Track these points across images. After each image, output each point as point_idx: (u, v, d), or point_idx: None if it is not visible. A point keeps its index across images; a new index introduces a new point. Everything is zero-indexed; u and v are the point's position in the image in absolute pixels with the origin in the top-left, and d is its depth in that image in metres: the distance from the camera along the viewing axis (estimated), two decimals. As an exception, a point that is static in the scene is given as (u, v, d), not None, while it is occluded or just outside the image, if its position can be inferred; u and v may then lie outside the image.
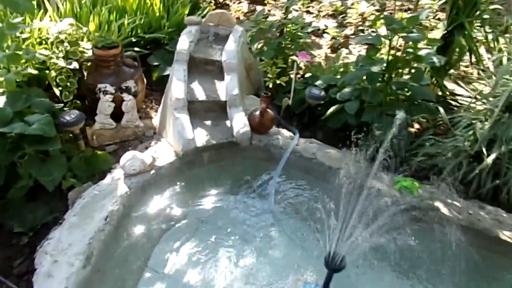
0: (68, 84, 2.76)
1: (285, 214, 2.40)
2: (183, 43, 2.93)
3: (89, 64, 2.89)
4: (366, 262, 2.14)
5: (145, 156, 2.41)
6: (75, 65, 2.76)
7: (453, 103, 2.99)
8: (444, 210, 2.24)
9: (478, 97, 2.54)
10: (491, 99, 2.25)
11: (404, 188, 2.31)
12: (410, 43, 2.46)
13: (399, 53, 2.53)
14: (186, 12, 3.92)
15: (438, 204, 2.26)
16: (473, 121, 2.34)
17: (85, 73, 2.86)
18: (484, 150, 2.14)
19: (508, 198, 2.28)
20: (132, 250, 2.18)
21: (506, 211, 2.24)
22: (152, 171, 2.44)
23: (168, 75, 3.10)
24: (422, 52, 2.28)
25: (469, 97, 2.84)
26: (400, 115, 1.48)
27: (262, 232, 2.33)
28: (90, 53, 2.90)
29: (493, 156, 2.07)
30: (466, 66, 3.73)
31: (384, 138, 2.38)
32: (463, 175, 2.32)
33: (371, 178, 2.34)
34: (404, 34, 2.19)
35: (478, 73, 3.69)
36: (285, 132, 2.75)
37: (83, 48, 2.94)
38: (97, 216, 2.11)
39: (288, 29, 3.46)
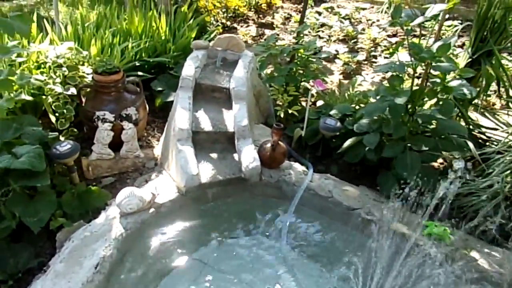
0: (65, 111, 2.57)
1: (298, 261, 2.13)
2: (189, 68, 2.74)
3: (88, 90, 2.70)
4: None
5: (144, 192, 2.17)
6: (72, 91, 2.58)
7: (480, 135, 2.75)
8: (482, 261, 1.96)
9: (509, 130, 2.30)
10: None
11: (434, 235, 2.04)
12: (435, 72, 2.26)
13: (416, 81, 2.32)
14: (193, 35, 3.77)
15: (474, 254, 1.98)
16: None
17: (84, 100, 2.67)
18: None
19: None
20: (125, 302, 1.91)
21: (553, 264, 1.96)
22: (152, 210, 2.20)
23: (172, 101, 2.91)
24: (453, 83, 2.06)
25: (503, 130, 2.60)
26: (460, 163, 1.25)
27: (272, 281, 2.06)
28: (90, 78, 2.72)
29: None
30: (489, 95, 3.52)
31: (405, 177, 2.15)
32: (500, 220, 2.05)
33: (394, 221, 2.10)
34: (434, 64, 1.99)
35: (502, 104, 3.47)
36: (297, 167, 2.51)
37: (83, 73, 2.77)
38: (87, 263, 1.85)
39: (299, 55, 3.28)
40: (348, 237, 2.19)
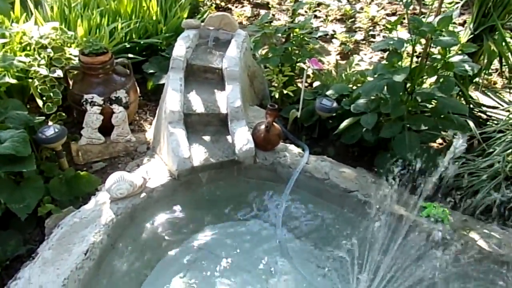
0: (52, 94, 2.48)
1: (295, 245, 2.08)
2: (180, 48, 2.64)
3: (75, 72, 2.60)
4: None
5: (134, 177, 2.11)
6: (59, 73, 2.48)
7: (481, 115, 2.67)
8: (481, 242, 1.92)
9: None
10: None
11: (433, 216, 1.99)
12: (435, 49, 2.17)
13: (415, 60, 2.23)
14: (185, 15, 3.64)
15: (473, 235, 1.94)
16: (512, 138, 2.03)
17: (71, 82, 2.58)
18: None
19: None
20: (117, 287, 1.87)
21: (553, 243, 1.92)
22: (143, 194, 2.13)
23: (164, 84, 2.82)
24: (454, 59, 1.97)
25: (504, 109, 2.52)
26: (460, 141, 1.18)
27: (268, 265, 2.02)
28: (77, 60, 2.62)
29: (541, 181, 1.76)
30: (490, 74, 3.43)
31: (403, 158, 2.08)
32: (500, 200, 2.00)
33: (394, 203, 2.05)
34: (434, 38, 1.89)
35: (504, 83, 3.38)
36: (293, 149, 2.44)
37: (70, 54, 2.66)
38: (76, 250, 1.80)
39: (295, 34, 3.17)
40: (344, 220, 2.14)
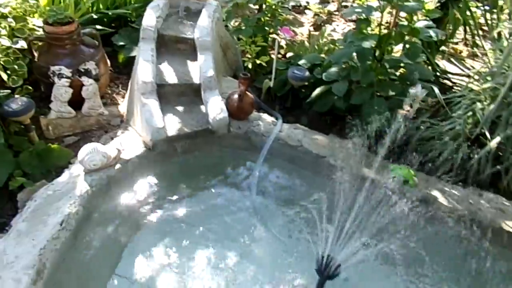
0: (16, 67, 2.38)
1: (269, 210, 2.15)
2: (150, 18, 2.58)
3: (40, 44, 2.51)
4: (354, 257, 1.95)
5: (108, 148, 2.10)
6: (22, 44, 2.38)
7: (446, 82, 2.78)
8: (442, 199, 2.05)
9: (476, 76, 2.33)
10: (488, 78, 2.05)
11: (400, 176, 2.10)
12: (403, 17, 2.23)
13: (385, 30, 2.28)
14: (155, -15, 3.52)
15: (436, 193, 2.06)
16: (474, 103, 2.14)
17: (36, 54, 2.48)
18: (487, 133, 1.94)
19: (508, 184, 2.11)
20: (95, 257, 1.89)
21: (507, 199, 2.08)
22: (118, 166, 2.13)
23: (135, 56, 2.76)
24: (419, 24, 2.03)
25: (467, 75, 2.64)
26: (418, 89, 1.24)
27: (244, 231, 2.09)
28: (42, 31, 2.52)
29: (497, 139, 1.88)
30: (456, 43, 3.54)
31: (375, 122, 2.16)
32: (461, 160, 2.13)
33: (362, 167, 2.14)
34: (400, 3, 1.93)
35: (469, 52, 3.51)
36: (266, 118, 2.48)
37: (33, 25, 2.55)
38: (51, 221, 1.80)
39: (267, 5, 3.14)
40: (316, 183, 2.22)
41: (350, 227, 1.63)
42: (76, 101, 2.48)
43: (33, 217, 1.83)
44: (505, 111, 1.87)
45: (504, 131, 1.84)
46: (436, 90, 2.40)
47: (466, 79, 2.70)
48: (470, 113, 2.11)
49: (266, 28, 3.03)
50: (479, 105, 2.07)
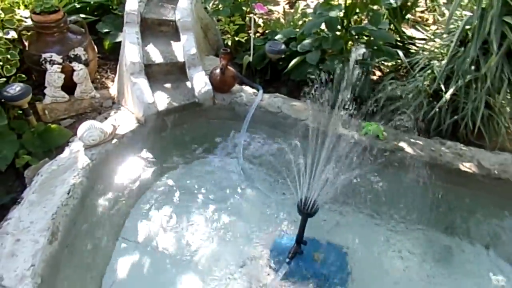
0: (9, 56, 2.52)
1: (255, 170, 2.38)
2: (132, 2, 2.73)
3: (29, 33, 2.64)
4: (337, 205, 2.20)
5: (104, 125, 2.28)
6: (13, 34, 2.52)
7: (413, 47, 3.02)
8: (408, 149, 2.30)
9: (432, 37, 2.56)
10: (445, 35, 2.28)
11: (371, 132, 2.34)
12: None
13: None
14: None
15: (402, 144, 2.32)
16: (431, 61, 2.38)
17: (26, 44, 2.62)
18: (442, 87, 2.19)
19: (466, 132, 2.37)
20: (101, 222, 2.10)
21: (465, 145, 2.34)
22: (114, 140, 2.32)
23: (121, 42, 2.91)
24: (378, -7, 2.25)
25: (424, 39, 2.87)
26: (360, 49, 1.46)
27: (234, 190, 2.32)
28: (29, 21, 2.65)
29: (450, 91, 2.12)
30: (422, 12, 3.78)
31: (346, 84, 2.39)
32: (424, 114, 2.38)
33: (337, 126, 2.38)
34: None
35: (434, 18, 3.74)
36: (248, 89, 2.68)
37: (21, 16, 2.68)
38: (59, 191, 1.99)
39: (243, -16, 3.30)
40: (296, 144, 2.45)
41: (326, 176, 1.85)
42: (69, 86, 2.64)
43: (41, 189, 2.01)
44: (455, 64, 2.11)
45: (456, 83, 2.08)
46: (401, 53, 2.64)
47: (431, 43, 2.93)
48: (429, 71, 2.35)
49: (243, 7, 3.20)
50: (436, 63, 2.31)
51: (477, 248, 2.13)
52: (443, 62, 2.15)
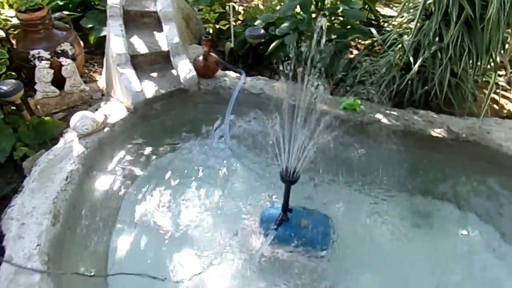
0: (-2, 55, 2.61)
1: (242, 148, 2.53)
2: (114, -4, 2.82)
3: (16, 32, 2.73)
4: (319, 174, 2.36)
5: (95, 115, 2.40)
6: (0, 33, 2.60)
7: (386, 25, 3.16)
8: (384, 120, 2.46)
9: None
10: (411, 10, 2.42)
11: (348, 106, 2.49)
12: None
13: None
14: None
15: (378, 115, 2.47)
16: (402, 36, 2.52)
17: (14, 42, 2.71)
18: (411, 59, 2.34)
19: (437, 102, 2.53)
20: (100, 205, 2.22)
21: (436, 113, 2.51)
22: (106, 129, 2.44)
23: (105, 36, 3.00)
24: (347, -27, 2.37)
25: (392, 16, 3.01)
26: (322, 20, 1.59)
27: (223, 168, 2.46)
28: (14, 20, 2.73)
29: (418, 63, 2.27)
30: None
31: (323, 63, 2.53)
32: (397, 86, 2.53)
33: (317, 102, 2.52)
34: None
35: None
36: (231, 74, 2.81)
37: (6, 16, 2.76)
38: (57, 177, 2.11)
39: (221, -27, 3.41)
40: (278, 121, 2.59)
41: (304, 146, 2.00)
42: (58, 81, 2.73)
43: (41, 177, 2.13)
44: (421, 37, 2.25)
45: (423, 55, 2.23)
46: (374, 31, 2.78)
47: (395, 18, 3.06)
48: (400, 45, 2.50)
49: (223, -4, 3.31)
50: (405, 37, 2.46)
51: (451, 207, 2.30)
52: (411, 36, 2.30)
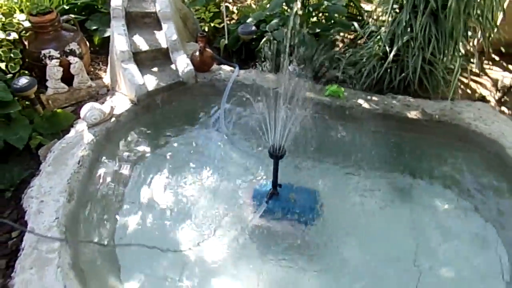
0: (12, 55, 2.86)
1: (236, 133, 2.77)
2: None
3: (28, 34, 2.98)
4: (305, 156, 2.58)
5: (103, 106, 2.64)
6: (14, 35, 2.85)
7: (369, 19, 3.39)
8: (365, 105, 2.70)
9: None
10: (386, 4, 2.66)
11: (332, 93, 2.73)
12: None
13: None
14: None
15: (360, 101, 2.71)
16: (381, 28, 2.76)
17: (26, 43, 2.96)
18: (387, 49, 2.57)
19: (414, 87, 2.76)
20: (108, 187, 2.46)
21: (413, 97, 2.74)
22: (113, 119, 2.68)
23: (109, 37, 3.25)
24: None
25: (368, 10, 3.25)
26: (298, 3, 1.82)
27: (219, 152, 2.70)
28: (25, 24, 2.98)
29: (393, 52, 2.50)
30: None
31: (311, 56, 2.77)
32: (377, 75, 2.77)
33: (303, 90, 2.76)
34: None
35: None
36: (226, 68, 3.05)
37: (18, 20, 3.02)
38: (70, 162, 2.35)
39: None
40: (268, 108, 2.82)
41: (294, 129, 2.23)
42: (67, 78, 2.99)
43: (55, 162, 2.38)
44: (396, 27, 2.48)
45: (397, 44, 2.47)
46: (356, 25, 3.02)
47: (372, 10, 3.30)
48: (378, 37, 2.74)
49: (217, -3, 3.56)
50: (383, 28, 2.70)
51: (428, 182, 2.52)
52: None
